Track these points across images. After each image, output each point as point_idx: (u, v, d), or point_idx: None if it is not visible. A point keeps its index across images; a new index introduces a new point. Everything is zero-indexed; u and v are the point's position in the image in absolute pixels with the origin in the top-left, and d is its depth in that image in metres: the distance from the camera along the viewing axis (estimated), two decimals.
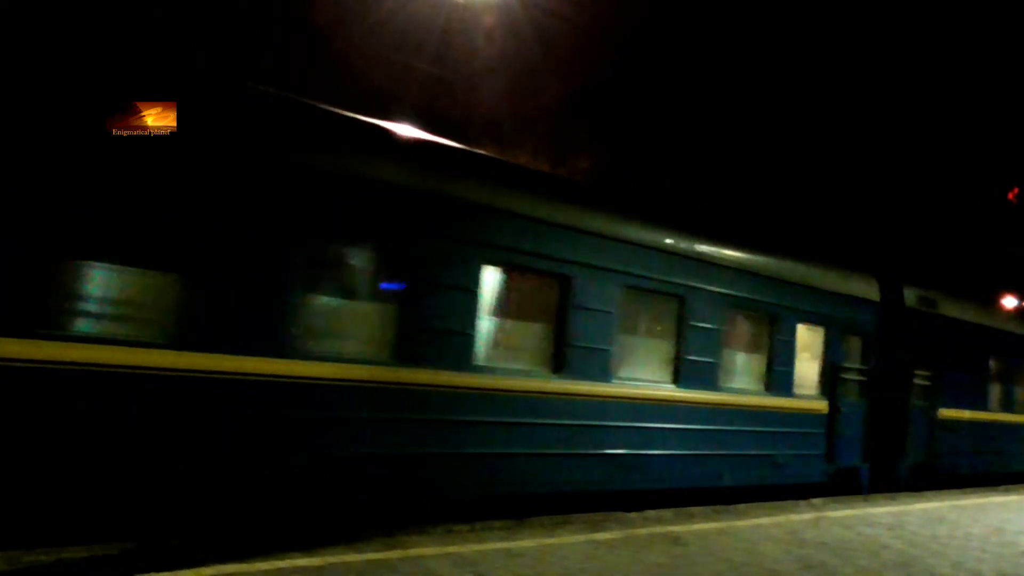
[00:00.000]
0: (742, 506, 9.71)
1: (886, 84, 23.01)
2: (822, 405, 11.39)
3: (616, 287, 8.64)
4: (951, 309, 14.18)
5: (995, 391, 15.47)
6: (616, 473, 8.64)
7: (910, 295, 13.20)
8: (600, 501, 8.60)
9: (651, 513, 8.70)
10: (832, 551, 7.64)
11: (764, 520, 8.97)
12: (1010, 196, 26.28)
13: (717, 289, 9.78)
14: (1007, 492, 14.21)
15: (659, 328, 9.39)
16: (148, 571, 5.12)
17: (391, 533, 6.66)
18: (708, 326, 9.64)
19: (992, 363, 15.39)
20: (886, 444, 12.65)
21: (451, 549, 6.34)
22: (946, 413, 13.76)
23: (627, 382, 8.80)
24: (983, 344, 15.08)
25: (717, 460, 9.73)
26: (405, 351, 7.01)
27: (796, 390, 10.95)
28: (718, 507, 9.47)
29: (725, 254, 10.01)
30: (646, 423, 8.92)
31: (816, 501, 10.82)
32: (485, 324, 7.70)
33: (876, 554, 7.69)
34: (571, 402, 8.15)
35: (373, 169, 6.90)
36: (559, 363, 8.14)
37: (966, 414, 14.32)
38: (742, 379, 10.37)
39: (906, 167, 24.05)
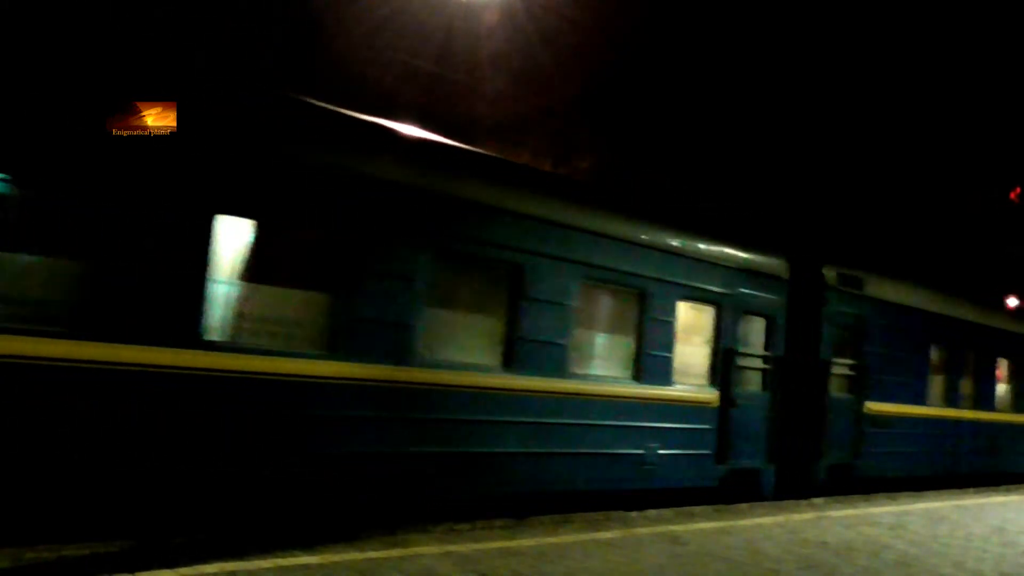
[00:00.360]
0: (743, 505, 9.72)
1: (886, 85, 23.00)
2: (711, 397, 9.69)
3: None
4: (884, 290, 12.62)
5: (939, 384, 13.87)
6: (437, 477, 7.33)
7: (830, 273, 11.61)
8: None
9: (652, 512, 8.71)
10: (833, 551, 7.64)
11: (765, 520, 8.97)
12: (1012, 196, 26.26)
13: (565, 257, 8.13)
14: (1008, 492, 14.21)
15: (489, 303, 7.83)
16: (151, 568, 5.13)
17: (392, 532, 6.67)
18: (553, 301, 8.01)
19: (936, 353, 13.81)
20: (798, 443, 11.08)
21: (452, 548, 6.35)
22: (876, 408, 12.14)
23: (438, 366, 7.19)
24: (926, 331, 13.47)
25: (561, 460, 8.11)
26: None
27: (676, 379, 9.26)
28: (719, 507, 9.47)
29: (573, 216, 8.33)
30: (468, 415, 7.39)
31: (817, 501, 10.82)
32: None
33: (877, 554, 7.69)
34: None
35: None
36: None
37: (902, 409, 12.72)
38: (603, 365, 8.80)
39: (906, 166, 24.04)
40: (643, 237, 9.03)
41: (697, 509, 9.19)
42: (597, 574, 6.06)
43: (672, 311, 9.23)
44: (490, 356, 7.69)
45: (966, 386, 14.61)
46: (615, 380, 8.72)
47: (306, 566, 5.49)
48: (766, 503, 10.15)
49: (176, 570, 5.13)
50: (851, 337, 11.93)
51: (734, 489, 10.01)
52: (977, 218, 25.72)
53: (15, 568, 5.07)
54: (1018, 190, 26.16)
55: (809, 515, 9.59)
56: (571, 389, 8.18)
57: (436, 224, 7.20)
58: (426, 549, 6.26)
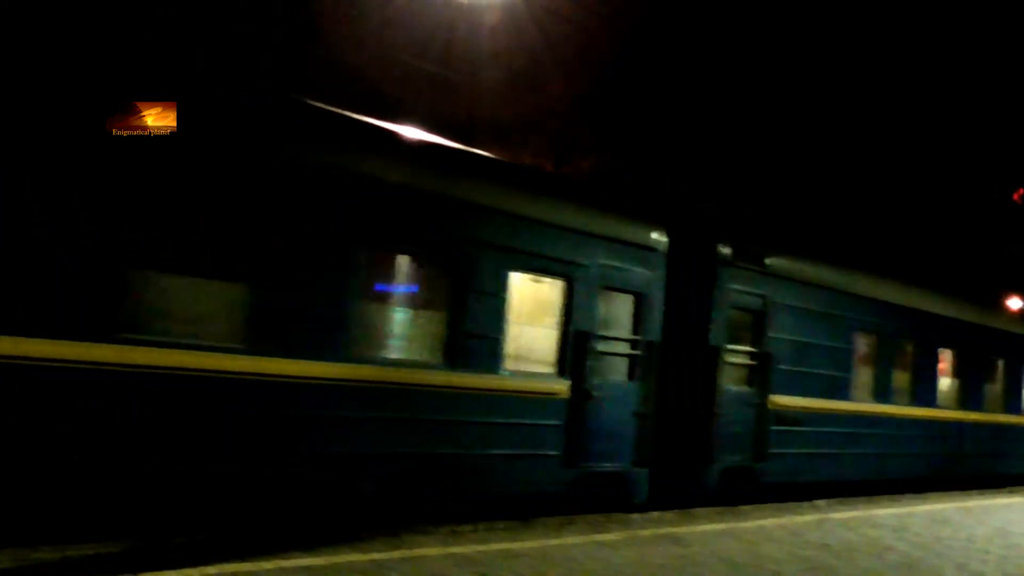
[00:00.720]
0: (746, 507, 9.71)
1: (886, 86, 22.99)
2: (559, 387, 8.09)
3: None
4: (794, 269, 10.99)
5: (866, 377, 12.18)
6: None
7: (725, 248, 9.99)
8: None
9: (654, 514, 8.71)
10: (835, 553, 7.63)
11: (767, 521, 8.96)
12: (1015, 197, 26.22)
13: (334, 211, 6.57)
14: (1012, 494, 14.17)
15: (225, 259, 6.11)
16: (153, 569, 5.14)
17: (396, 533, 6.67)
18: (325, 264, 6.51)
19: (862, 341, 12.15)
20: (681, 443, 9.54)
21: (455, 550, 6.35)
22: (784, 402, 10.46)
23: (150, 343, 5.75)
24: (851, 317, 11.76)
25: (338, 463, 6.59)
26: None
27: (509, 365, 7.75)
28: (721, 508, 9.46)
29: (334, 160, 6.72)
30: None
31: (820, 503, 10.80)
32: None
33: (880, 556, 7.68)
34: None
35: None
36: None
37: (819, 405, 11.06)
38: (405, 347, 7.32)
39: (907, 167, 24.02)
40: (460, 192, 7.53)
41: (699, 511, 9.18)
42: None
43: (502, 284, 7.66)
44: (227, 333, 6.19)
45: (902, 379, 12.97)
46: (419, 365, 7.20)
47: (308, 568, 5.50)
48: (770, 504, 10.09)
49: (179, 571, 5.13)
50: (752, 321, 10.34)
51: (591, 496, 8.44)
52: (976, 217, 25.66)
53: (19, 568, 5.09)
54: (1021, 191, 26.13)
55: (811, 517, 9.58)
56: (344, 375, 6.55)
57: None
58: (429, 551, 6.26)
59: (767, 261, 10.52)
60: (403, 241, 7.13)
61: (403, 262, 7.32)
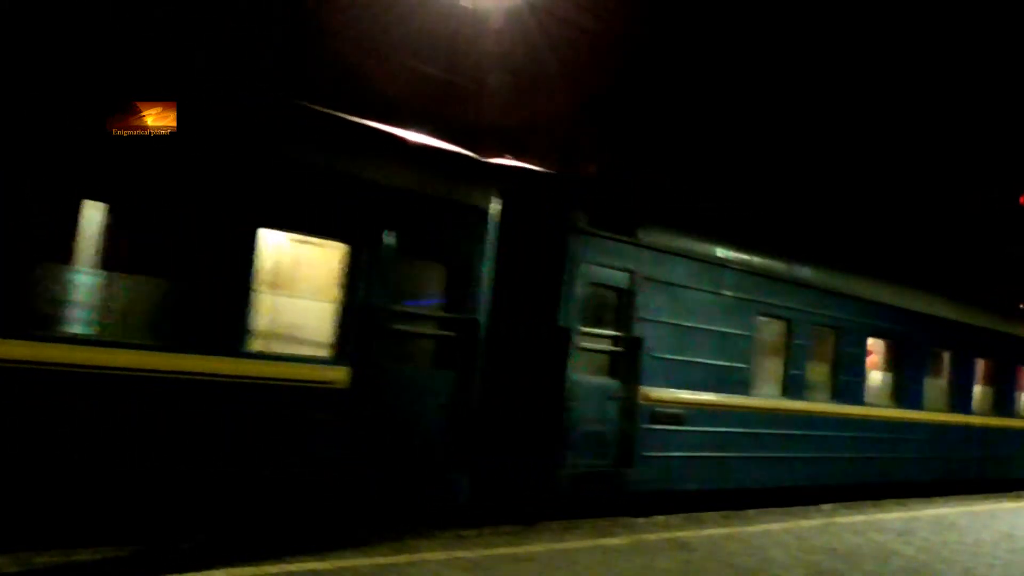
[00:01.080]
0: (752, 511, 9.69)
1: (886, 88, 22.99)
2: (335, 374, 6.60)
3: None
4: (678, 244, 9.35)
5: (768, 368, 10.46)
6: None
7: (580, 215, 8.42)
8: None
9: (660, 519, 8.69)
10: (841, 557, 7.61)
11: (774, 526, 8.94)
12: (1022, 200, 26.18)
13: None
14: (1019, 498, 14.11)
15: None
16: (159, 572, 5.15)
17: (400, 537, 6.67)
18: None
19: (769, 328, 10.43)
20: (519, 443, 7.95)
21: (460, 554, 6.35)
22: (659, 397, 8.87)
23: None
24: (750, 299, 10.04)
25: None
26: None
27: (256, 345, 6.24)
28: (727, 512, 9.44)
29: None
30: None
31: (826, 507, 10.76)
32: None
33: (886, 560, 7.66)
34: None
35: None
36: None
37: (707, 400, 9.43)
38: (104, 321, 5.65)
39: (907, 167, 23.99)
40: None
41: (706, 515, 9.16)
42: None
43: (246, 243, 6.16)
44: None
45: (819, 373, 11.20)
46: (129, 346, 5.67)
47: (314, 571, 5.50)
48: (775, 509, 10.03)
49: (185, 575, 5.15)
50: (618, 301, 8.71)
51: (387, 504, 7.04)
52: (980, 219, 25.61)
53: (25, 572, 5.10)
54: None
55: (817, 521, 9.55)
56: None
57: None
58: (433, 555, 6.25)
59: (640, 232, 8.93)
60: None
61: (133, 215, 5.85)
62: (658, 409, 8.88)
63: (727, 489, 9.86)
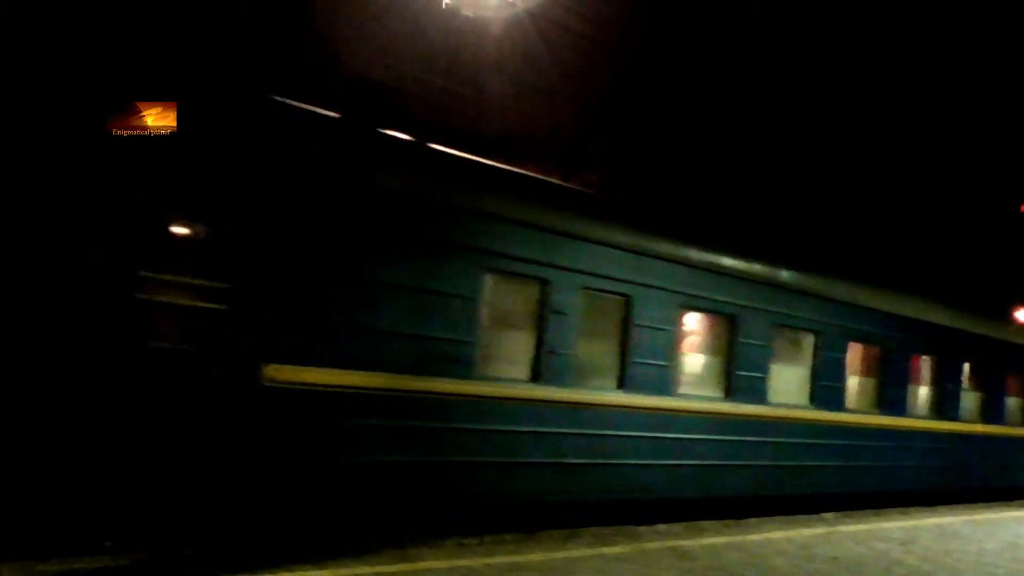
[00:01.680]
0: (753, 520, 9.66)
1: (886, 87, 23.02)
2: None
3: None
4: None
5: (518, 344, 7.60)
6: None
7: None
8: None
9: (661, 527, 8.67)
10: (844, 566, 7.59)
11: (775, 534, 8.91)
12: (1023, 208, 26.18)
13: None
14: (1021, 507, 14.06)
15: None
16: None
17: (402, 546, 6.67)
18: None
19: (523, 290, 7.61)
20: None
21: (461, 562, 6.35)
22: (297, 377, 6.07)
23: None
24: (478, 247, 7.17)
25: None
26: None
27: None
28: (728, 521, 9.42)
29: None
30: None
31: (828, 515, 10.73)
32: None
33: (888, 569, 7.64)
34: None
35: None
36: None
37: (396, 384, 6.59)
38: None
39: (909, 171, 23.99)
40: None
41: (707, 524, 9.14)
42: None
43: None
44: None
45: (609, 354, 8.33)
46: None
47: None
48: (776, 517, 10.01)
49: None
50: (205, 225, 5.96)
51: None
52: (984, 228, 25.60)
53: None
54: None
55: (820, 530, 9.53)
56: None
57: None
58: (435, 564, 6.25)
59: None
60: None
61: None
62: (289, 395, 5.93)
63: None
